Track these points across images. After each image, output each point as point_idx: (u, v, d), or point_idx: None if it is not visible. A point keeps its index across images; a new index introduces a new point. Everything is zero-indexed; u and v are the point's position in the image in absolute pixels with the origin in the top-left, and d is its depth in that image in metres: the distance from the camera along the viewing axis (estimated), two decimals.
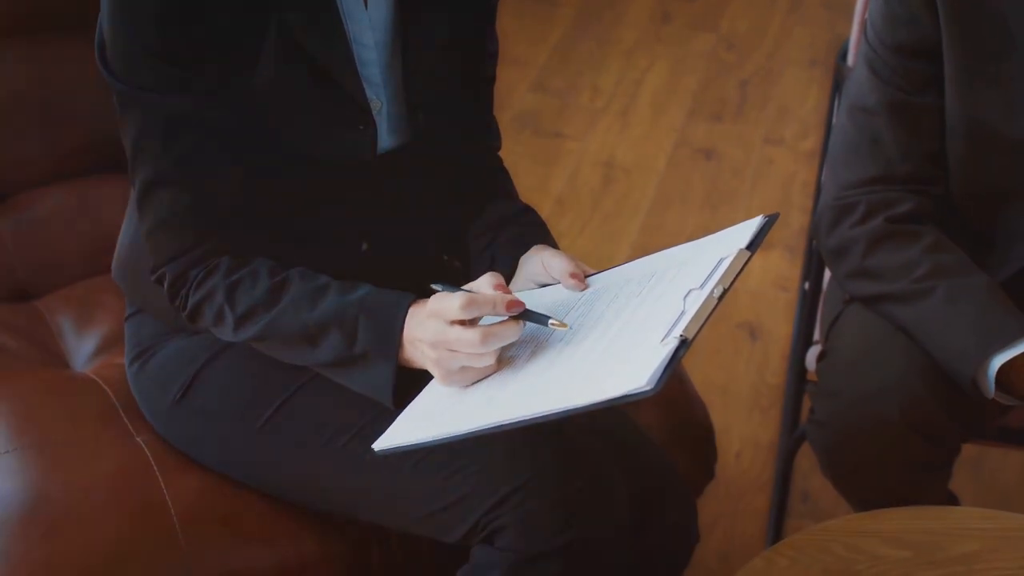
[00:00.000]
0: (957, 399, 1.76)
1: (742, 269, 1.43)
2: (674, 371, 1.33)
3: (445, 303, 1.45)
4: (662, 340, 1.36)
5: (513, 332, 1.45)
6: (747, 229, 1.47)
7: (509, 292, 1.47)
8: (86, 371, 1.92)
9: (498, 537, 1.55)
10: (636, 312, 1.46)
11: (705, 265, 1.44)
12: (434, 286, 1.51)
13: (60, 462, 1.72)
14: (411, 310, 1.50)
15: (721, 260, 1.44)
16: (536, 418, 1.37)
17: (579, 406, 1.35)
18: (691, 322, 1.37)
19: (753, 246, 1.45)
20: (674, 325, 1.38)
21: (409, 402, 1.52)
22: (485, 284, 1.49)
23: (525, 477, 1.54)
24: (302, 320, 1.53)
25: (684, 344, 1.35)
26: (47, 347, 1.98)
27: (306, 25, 1.55)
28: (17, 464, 1.72)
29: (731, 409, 2.66)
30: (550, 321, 1.47)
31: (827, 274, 2.17)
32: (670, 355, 1.34)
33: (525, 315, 1.47)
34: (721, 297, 1.40)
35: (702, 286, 1.41)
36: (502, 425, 1.39)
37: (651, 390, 1.31)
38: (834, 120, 2.25)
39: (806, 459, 2.45)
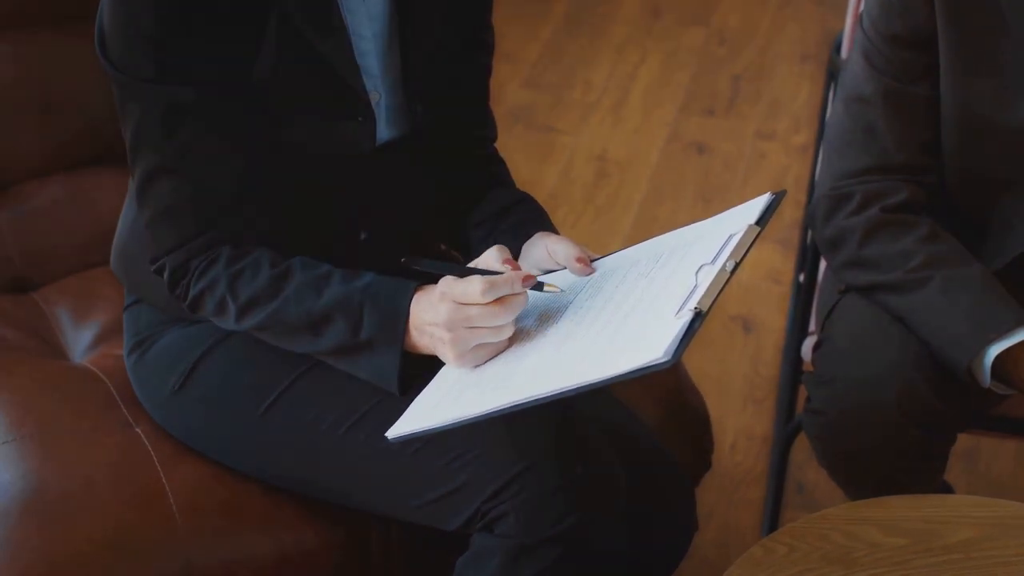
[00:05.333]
0: (952, 387, 1.76)
1: (752, 245, 1.44)
2: (689, 343, 1.34)
3: (460, 288, 1.46)
4: (676, 313, 1.37)
5: (524, 299, 1.47)
6: (755, 207, 1.48)
7: (517, 265, 1.49)
8: (84, 362, 1.92)
9: (498, 525, 1.55)
10: (647, 289, 1.47)
11: (715, 242, 1.45)
12: (407, 261, 1.51)
13: (59, 452, 1.73)
14: (416, 296, 1.51)
15: (731, 236, 1.44)
16: (554, 395, 1.37)
17: (596, 380, 1.36)
18: (705, 295, 1.37)
19: (762, 222, 1.45)
20: (688, 298, 1.38)
21: (413, 388, 1.53)
22: (494, 260, 1.50)
23: (524, 464, 1.54)
24: (306, 308, 1.54)
25: (699, 316, 1.36)
26: (45, 338, 1.98)
27: (305, 16, 1.55)
28: (16, 454, 1.72)
29: (725, 401, 2.67)
30: (545, 286, 1.49)
31: (822, 265, 2.17)
32: (685, 327, 1.34)
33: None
34: (733, 271, 1.41)
35: (713, 261, 1.42)
36: (519, 404, 1.39)
37: (668, 362, 1.32)
38: (829, 111, 2.26)
39: (800, 451, 2.46)
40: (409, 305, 1.50)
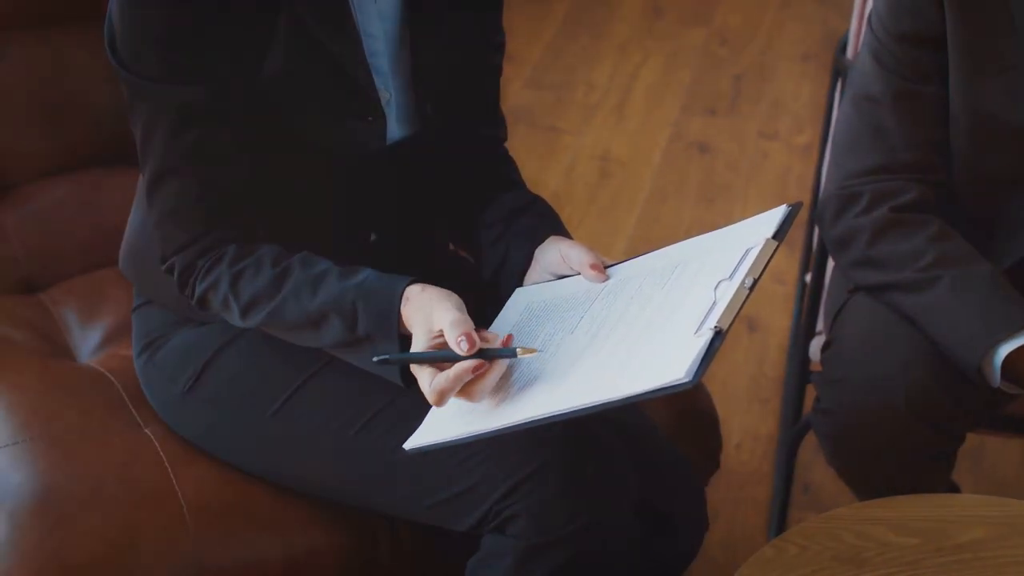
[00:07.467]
0: (962, 387, 1.76)
1: (770, 259, 1.42)
2: (711, 363, 1.32)
3: (420, 379, 1.45)
4: (696, 332, 1.35)
5: (495, 376, 1.43)
6: (771, 219, 1.47)
7: (474, 339, 1.43)
8: (92, 362, 1.92)
9: (509, 525, 1.55)
10: (663, 304, 1.45)
11: (731, 256, 1.44)
12: (379, 361, 1.49)
13: (68, 453, 1.72)
14: (407, 294, 1.49)
15: (748, 250, 1.43)
16: (572, 412, 1.36)
17: (617, 398, 1.34)
18: (724, 313, 1.36)
19: (779, 235, 1.44)
20: (707, 316, 1.37)
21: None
22: (449, 334, 1.43)
23: (536, 465, 1.54)
24: (303, 308, 1.54)
25: (719, 335, 1.34)
26: (53, 339, 1.98)
27: (316, 15, 1.55)
28: (26, 455, 1.72)
29: (731, 401, 2.67)
30: (518, 350, 1.45)
31: (830, 264, 2.17)
32: (706, 346, 1.33)
33: (493, 354, 1.44)
34: (752, 287, 1.39)
35: (731, 276, 1.40)
36: (536, 420, 1.38)
37: (689, 382, 1.30)
38: (835, 111, 2.26)
39: (806, 451, 2.46)
40: (400, 303, 1.49)
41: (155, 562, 1.65)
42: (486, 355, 1.43)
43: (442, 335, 1.45)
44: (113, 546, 1.64)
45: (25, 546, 1.63)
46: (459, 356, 1.42)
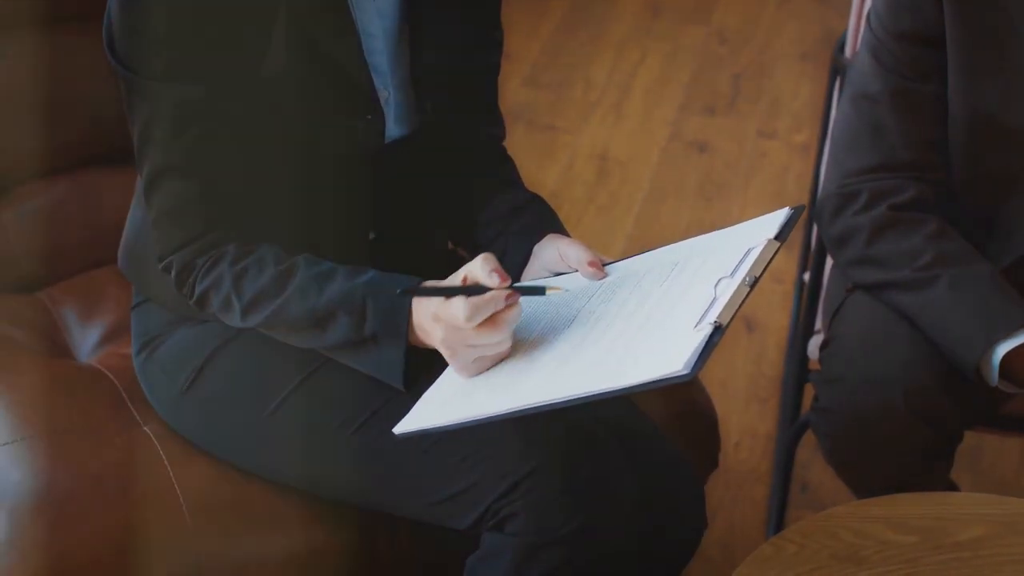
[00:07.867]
0: (960, 386, 1.77)
1: (771, 260, 1.43)
2: (709, 357, 1.33)
3: (450, 311, 1.45)
4: (695, 326, 1.36)
5: (518, 311, 1.46)
6: (773, 220, 1.48)
7: (505, 275, 1.45)
8: (91, 361, 1.92)
9: (508, 523, 1.55)
10: (663, 299, 1.46)
11: (732, 255, 1.45)
12: (402, 293, 1.49)
13: (68, 451, 1.72)
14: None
15: (749, 250, 1.44)
16: (567, 401, 1.37)
17: (612, 389, 1.35)
18: (724, 309, 1.37)
19: (781, 236, 1.45)
20: (707, 311, 1.38)
21: (419, 385, 1.53)
22: (479, 269, 1.46)
23: (535, 464, 1.54)
24: (309, 305, 1.54)
25: (719, 330, 1.35)
26: (52, 338, 1.98)
27: (315, 13, 1.55)
28: (25, 453, 1.72)
29: (729, 400, 2.67)
30: (547, 290, 1.47)
31: (828, 263, 2.17)
32: (705, 340, 1.34)
33: (522, 289, 1.47)
34: (752, 286, 1.40)
35: (732, 274, 1.41)
36: (530, 408, 1.39)
37: (687, 375, 1.31)
38: (834, 110, 2.27)
39: (804, 450, 2.46)
40: (410, 301, 1.50)
41: (154, 560, 1.65)
42: (515, 288, 1.45)
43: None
44: (112, 544, 1.64)
45: (24, 544, 1.63)
46: (488, 291, 1.44)
